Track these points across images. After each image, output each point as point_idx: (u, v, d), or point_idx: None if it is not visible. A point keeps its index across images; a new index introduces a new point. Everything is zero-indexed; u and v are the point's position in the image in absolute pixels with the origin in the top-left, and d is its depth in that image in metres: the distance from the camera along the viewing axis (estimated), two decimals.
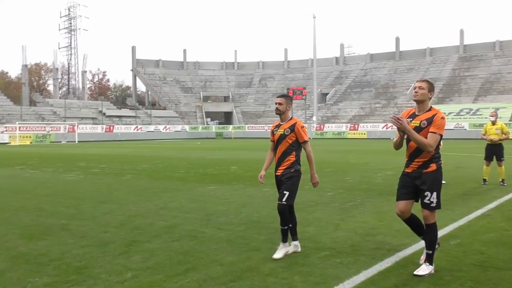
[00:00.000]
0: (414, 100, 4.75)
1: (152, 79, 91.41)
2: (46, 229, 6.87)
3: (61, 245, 5.91)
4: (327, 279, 4.50)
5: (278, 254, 5.26)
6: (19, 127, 53.51)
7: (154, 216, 7.90)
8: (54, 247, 5.81)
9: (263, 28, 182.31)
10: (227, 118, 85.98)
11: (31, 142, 52.33)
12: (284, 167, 5.47)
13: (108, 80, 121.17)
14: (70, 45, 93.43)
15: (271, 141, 5.74)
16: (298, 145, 5.50)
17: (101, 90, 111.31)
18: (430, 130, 4.57)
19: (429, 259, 4.67)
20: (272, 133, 5.70)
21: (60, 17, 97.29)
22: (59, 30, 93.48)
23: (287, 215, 5.34)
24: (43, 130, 56.68)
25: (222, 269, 4.89)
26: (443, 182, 5.39)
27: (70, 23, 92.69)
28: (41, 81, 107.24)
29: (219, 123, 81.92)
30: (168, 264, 4.98)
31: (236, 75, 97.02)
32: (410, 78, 77.47)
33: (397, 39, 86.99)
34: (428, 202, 4.65)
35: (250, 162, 20.37)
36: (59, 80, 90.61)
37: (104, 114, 70.92)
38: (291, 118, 5.57)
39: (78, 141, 54.88)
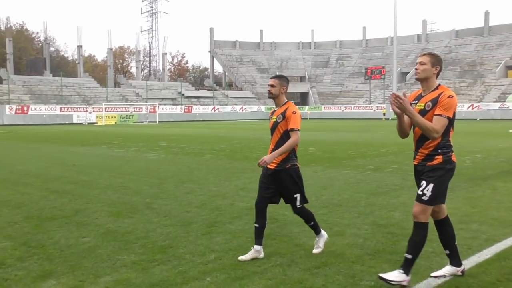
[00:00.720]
0: (416, 79, 4.05)
1: (229, 60, 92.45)
2: (131, 207, 7.07)
3: (146, 224, 6.05)
4: (418, 269, 4.21)
5: (316, 250, 4.86)
6: (105, 108, 56.30)
7: (234, 196, 7.91)
8: (139, 225, 5.96)
9: (340, 7, 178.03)
10: (303, 98, 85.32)
11: (115, 122, 54.93)
12: (278, 161, 4.67)
13: (186, 62, 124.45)
14: (151, 28, 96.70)
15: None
16: None
17: (180, 72, 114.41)
18: (436, 112, 3.78)
19: (406, 267, 3.83)
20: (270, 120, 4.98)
21: (142, 1, 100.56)
22: (141, 13, 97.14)
23: (307, 212, 4.86)
24: (126, 111, 59.29)
25: (305, 254, 4.75)
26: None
27: (151, 7, 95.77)
28: (124, 64, 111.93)
29: (295, 104, 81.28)
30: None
31: (312, 55, 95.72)
32: (500, 55, 72.46)
33: (487, 13, 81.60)
34: (420, 193, 3.83)
35: (328, 143, 20.02)
36: (141, 63, 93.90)
37: (183, 95, 72.85)
38: (285, 102, 4.81)
39: (159, 121, 56.89)
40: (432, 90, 3.91)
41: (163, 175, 10.52)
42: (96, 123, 53.51)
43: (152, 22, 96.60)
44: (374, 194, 8.08)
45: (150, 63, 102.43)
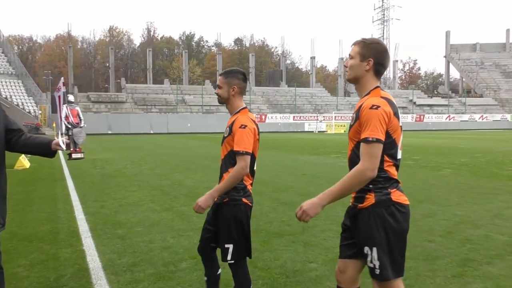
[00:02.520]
0: (346, 80, 2.88)
1: (467, 64, 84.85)
2: None
3: None
4: None
5: None
6: (335, 117, 57.23)
7: (488, 225, 6.40)
8: None
9: None
10: None
11: (344, 131, 55.30)
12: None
13: (418, 69, 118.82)
14: (383, 35, 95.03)
15: None
16: None
17: (411, 79, 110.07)
18: (361, 136, 2.57)
19: None
20: None
21: (374, 9, 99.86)
22: (373, 22, 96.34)
23: (242, 275, 3.42)
24: None
25: None
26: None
27: (383, 14, 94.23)
28: None
29: None
30: None
31: None
32: None
33: None
34: (371, 266, 2.64)
35: None
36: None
37: (414, 103, 69.57)
38: (239, 110, 3.42)
39: None
40: (364, 96, 2.72)
41: None
42: (326, 131, 54.70)
43: (383, 30, 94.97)
44: None
45: None
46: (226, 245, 3.32)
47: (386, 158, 2.60)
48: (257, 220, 6.82)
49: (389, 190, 2.60)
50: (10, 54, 60.67)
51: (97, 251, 5.29)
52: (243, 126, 3.23)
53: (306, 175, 12.15)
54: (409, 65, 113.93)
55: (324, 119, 57.94)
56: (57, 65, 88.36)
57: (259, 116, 55.69)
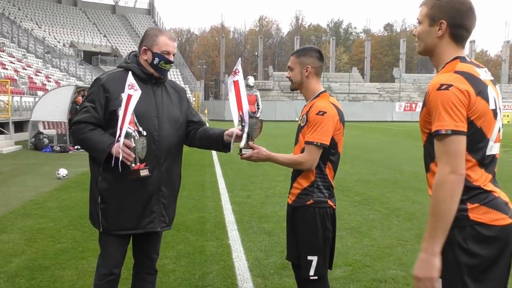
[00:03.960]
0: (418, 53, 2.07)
1: None
2: None
3: None
4: None
5: None
6: None
7: None
8: None
9: None
10: None
11: (508, 122, 49.73)
12: (296, 193, 2.85)
13: None
14: None
15: None
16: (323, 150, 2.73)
17: None
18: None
19: None
20: None
21: None
22: None
23: None
24: None
25: None
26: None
27: None
28: None
29: None
30: None
31: None
32: None
33: None
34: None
35: None
36: None
37: None
38: (317, 95, 2.84)
39: None
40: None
41: None
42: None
43: None
44: None
45: None
46: (309, 257, 2.74)
47: (467, 155, 1.82)
48: (418, 222, 5.97)
49: (467, 204, 1.81)
50: None
51: (243, 247, 4.97)
52: (321, 113, 2.69)
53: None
54: None
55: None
56: (211, 54, 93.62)
57: (408, 104, 52.73)
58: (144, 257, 3.01)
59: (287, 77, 2.96)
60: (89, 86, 3.00)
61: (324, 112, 2.69)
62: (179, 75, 59.95)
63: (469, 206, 1.82)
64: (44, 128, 16.10)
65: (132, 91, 2.50)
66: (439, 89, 1.81)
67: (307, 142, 2.70)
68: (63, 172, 9.36)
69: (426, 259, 1.80)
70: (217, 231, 5.60)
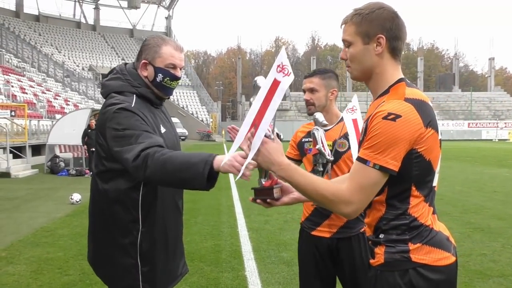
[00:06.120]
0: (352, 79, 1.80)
1: None
2: None
3: None
4: None
5: None
6: None
7: None
8: None
9: None
10: None
11: None
12: (341, 224, 2.57)
13: None
14: None
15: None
16: None
17: None
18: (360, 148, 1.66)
19: None
20: (297, 148, 2.80)
21: None
22: None
23: None
24: None
25: None
26: None
27: None
28: None
29: None
30: None
31: None
32: None
33: None
34: None
35: None
36: None
37: None
38: (341, 119, 2.65)
39: None
40: (379, 96, 1.69)
41: None
42: (508, 139, 48.75)
43: None
44: None
45: None
46: None
47: (414, 191, 1.61)
48: None
49: (408, 245, 1.61)
50: (188, 67, 66.19)
51: (260, 279, 4.63)
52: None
53: (498, 193, 10.17)
54: None
55: (505, 126, 51.69)
56: (227, 76, 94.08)
57: None
58: None
59: (306, 99, 2.69)
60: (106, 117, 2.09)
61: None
62: (196, 96, 60.21)
63: (411, 246, 1.61)
64: (61, 151, 16.06)
65: (280, 76, 1.58)
66: (385, 118, 1.55)
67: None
68: (76, 197, 9.17)
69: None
70: (233, 261, 5.27)
